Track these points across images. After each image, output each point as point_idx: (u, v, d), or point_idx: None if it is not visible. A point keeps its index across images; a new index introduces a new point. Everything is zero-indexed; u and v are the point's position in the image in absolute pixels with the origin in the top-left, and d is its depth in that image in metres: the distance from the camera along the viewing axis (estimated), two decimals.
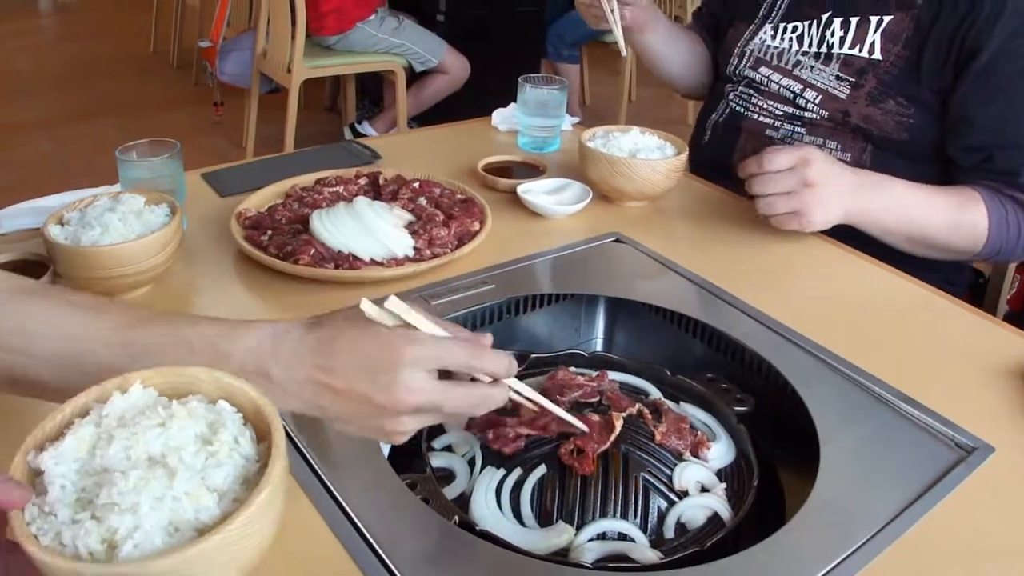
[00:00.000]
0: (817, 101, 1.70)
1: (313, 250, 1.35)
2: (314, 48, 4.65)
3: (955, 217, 1.53)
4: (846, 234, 1.55)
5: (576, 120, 2.12)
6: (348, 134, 5.02)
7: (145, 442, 0.64)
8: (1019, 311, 1.94)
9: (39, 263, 1.33)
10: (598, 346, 1.43)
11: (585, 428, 1.02)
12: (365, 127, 4.98)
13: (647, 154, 1.63)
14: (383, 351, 0.82)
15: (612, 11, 1.78)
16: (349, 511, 0.90)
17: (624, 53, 1.86)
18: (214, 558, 0.59)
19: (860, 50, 1.67)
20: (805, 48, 1.75)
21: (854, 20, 1.68)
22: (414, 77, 4.89)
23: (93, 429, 0.66)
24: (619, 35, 1.82)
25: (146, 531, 0.59)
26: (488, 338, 0.90)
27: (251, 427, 0.70)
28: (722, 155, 1.84)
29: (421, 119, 5.00)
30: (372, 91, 5.58)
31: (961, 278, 1.82)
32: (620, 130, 1.71)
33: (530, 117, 1.92)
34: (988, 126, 1.56)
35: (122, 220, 1.29)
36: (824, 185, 1.44)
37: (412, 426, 0.84)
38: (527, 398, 0.96)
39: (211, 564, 0.59)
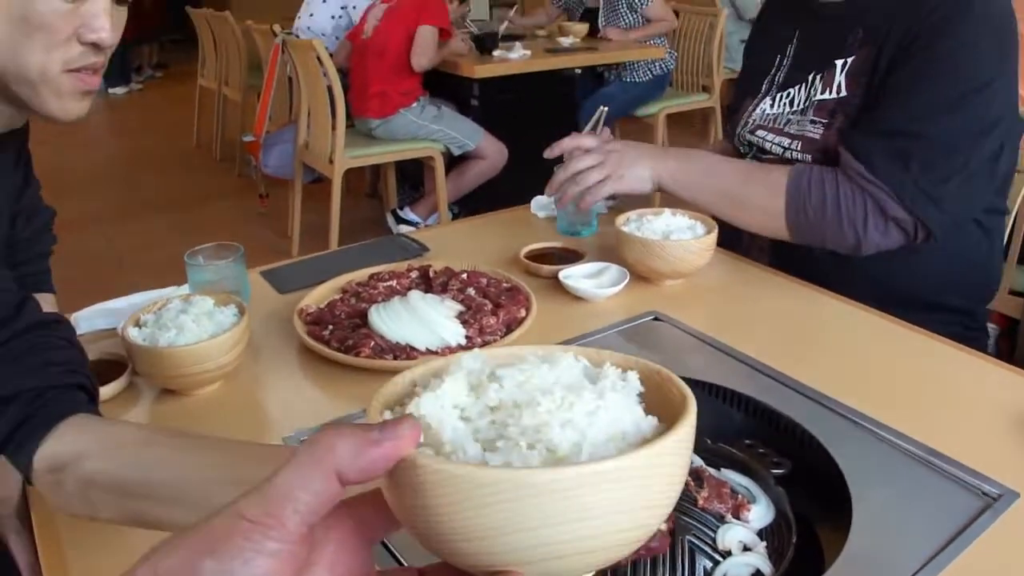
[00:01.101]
0: (798, 148, 1.78)
1: (373, 343, 1.42)
2: (355, 137, 4.76)
3: (752, 170, 1.71)
4: (870, 293, 1.63)
5: (612, 203, 2.19)
6: (391, 220, 5.10)
7: (539, 377, 0.57)
8: None
9: (117, 362, 1.41)
10: None
11: None
12: (407, 213, 5.06)
13: (679, 235, 1.70)
14: None
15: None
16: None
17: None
18: (660, 467, 0.51)
19: (829, 93, 1.75)
20: (793, 108, 1.84)
21: (827, 71, 1.77)
22: (452, 162, 4.96)
23: (464, 376, 0.59)
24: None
25: (593, 443, 0.52)
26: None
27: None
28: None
29: (461, 203, 5.08)
30: (412, 176, 5.64)
31: (976, 323, 1.85)
32: (653, 212, 1.78)
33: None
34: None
35: (195, 321, 1.37)
36: (627, 149, 1.74)
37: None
38: None
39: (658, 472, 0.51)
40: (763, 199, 1.69)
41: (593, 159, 1.72)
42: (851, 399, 1.31)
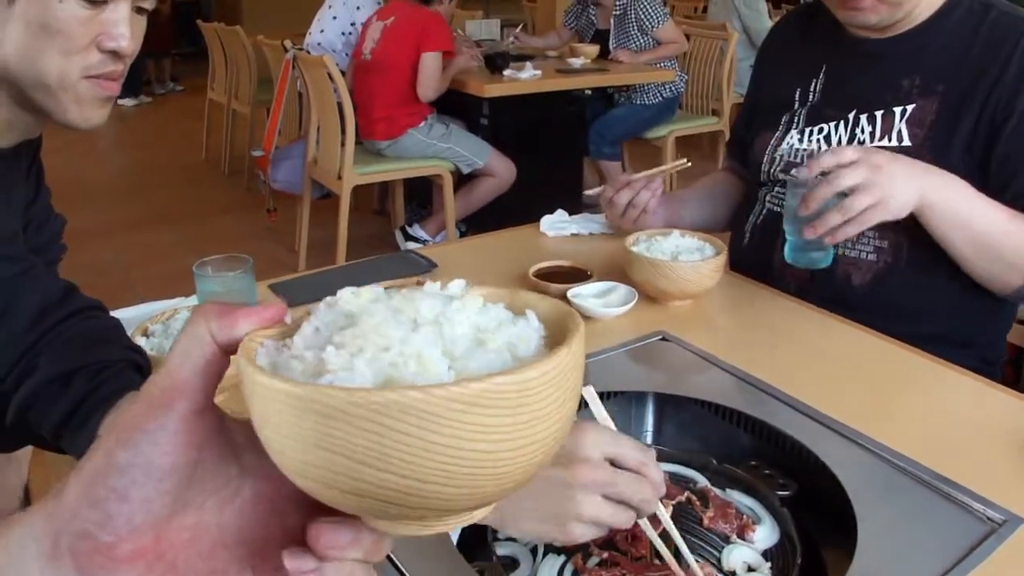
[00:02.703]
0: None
1: None
2: (364, 154, 4.78)
3: (1013, 220, 1.54)
4: (877, 316, 1.63)
5: None
6: (400, 237, 5.11)
7: (417, 308, 0.49)
8: None
9: None
10: (648, 439, 1.47)
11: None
12: (416, 230, 5.07)
13: (688, 256, 1.70)
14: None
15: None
16: None
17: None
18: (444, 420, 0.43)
19: (889, 140, 1.72)
20: (834, 146, 1.79)
21: (879, 114, 1.74)
22: (461, 180, 4.98)
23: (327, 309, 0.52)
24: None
25: (354, 373, 0.45)
26: (653, 452, 0.96)
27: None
28: (763, 255, 1.87)
29: (469, 221, 5.10)
30: (420, 194, 5.66)
31: (995, 354, 1.83)
32: (661, 233, 1.78)
33: None
34: None
35: None
36: (894, 162, 1.46)
37: (590, 510, 0.88)
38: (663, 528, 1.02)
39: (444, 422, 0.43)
40: (1017, 256, 1.56)
41: (861, 176, 1.43)
42: (858, 422, 1.31)
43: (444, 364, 0.46)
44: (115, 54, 1.15)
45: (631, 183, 1.96)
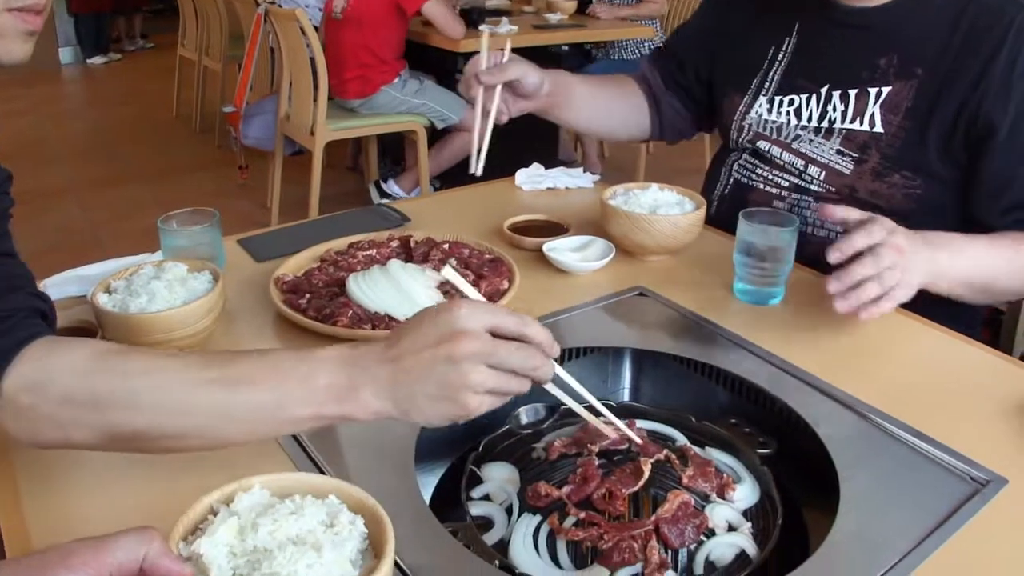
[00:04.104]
0: (822, 177, 1.73)
1: (351, 312, 1.40)
2: (337, 110, 4.74)
3: (1013, 259, 1.52)
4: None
5: (597, 178, 2.17)
6: (374, 192, 5.09)
7: (286, 527, 0.78)
8: None
9: (87, 330, 1.37)
10: (626, 396, 1.47)
11: (637, 438, 1.11)
12: (391, 186, 5.04)
13: (667, 210, 1.68)
14: (441, 310, 0.91)
15: (483, 131, 1.71)
16: (395, 556, 0.95)
17: (476, 172, 1.72)
18: None
19: (861, 124, 1.68)
20: (804, 122, 1.76)
21: (852, 92, 1.69)
22: (435, 136, 4.95)
23: (236, 520, 0.79)
24: (475, 156, 1.72)
25: None
26: (531, 319, 0.96)
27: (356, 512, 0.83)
28: (730, 225, 1.75)
29: (444, 177, 5.06)
30: (393, 150, 5.64)
31: (976, 319, 1.82)
32: (639, 187, 1.76)
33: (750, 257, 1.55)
34: None
35: (167, 287, 1.34)
36: (912, 243, 1.38)
37: (476, 378, 0.90)
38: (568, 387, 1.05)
39: None
40: (1021, 287, 1.57)
41: (890, 259, 1.34)
42: (840, 381, 1.30)
43: None
44: None
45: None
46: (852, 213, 1.41)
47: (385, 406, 0.92)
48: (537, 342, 0.94)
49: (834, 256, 1.33)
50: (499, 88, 1.70)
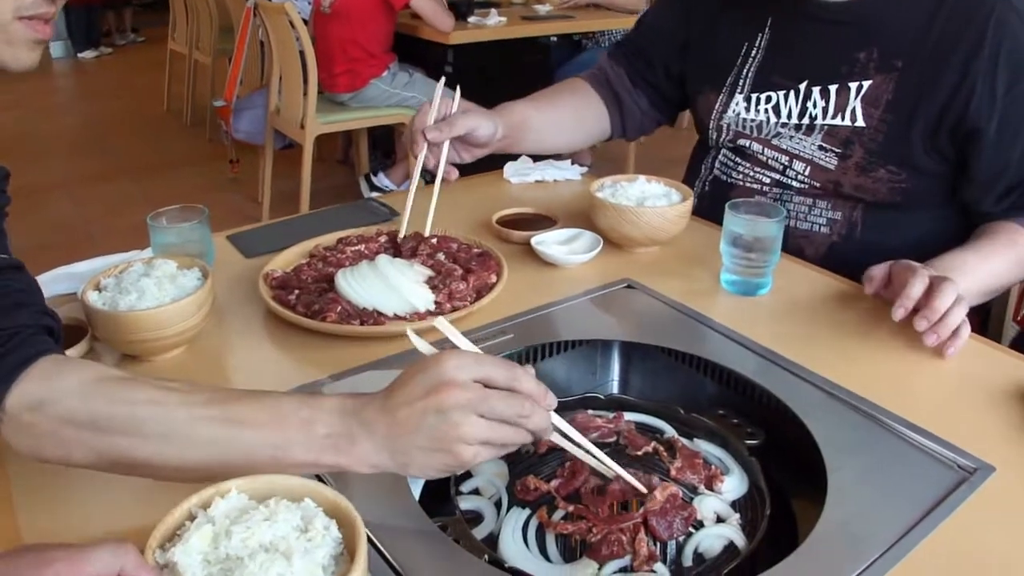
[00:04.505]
0: (807, 172, 1.72)
1: (339, 308, 1.40)
2: (327, 103, 4.74)
3: (1013, 259, 1.56)
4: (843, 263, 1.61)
5: (584, 170, 2.17)
6: (364, 185, 5.08)
7: (259, 533, 0.80)
8: None
9: (78, 327, 1.37)
10: (614, 388, 1.47)
11: (642, 488, 1.08)
12: (381, 179, 5.04)
13: (654, 201, 1.67)
14: (430, 362, 0.91)
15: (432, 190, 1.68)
16: (384, 551, 0.96)
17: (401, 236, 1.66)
18: None
19: (843, 119, 1.67)
20: (784, 119, 1.74)
21: (833, 88, 1.68)
22: None
23: (210, 527, 0.81)
24: (406, 218, 1.68)
25: None
26: (530, 369, 0.96)
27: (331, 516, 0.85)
28: (710, 220, 1.82)
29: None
30: (383, 143, 5.63)
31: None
32: (627, 179, 1.75)
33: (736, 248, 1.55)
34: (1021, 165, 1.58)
35: (157, 285, 1.34)
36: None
37: (467, 429, 0.90)
38: (567, 436, 1.04)
39: None
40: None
41: (955, 289, 1.34)
42: (827, 371, 1.30)
43: None
44: None
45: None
46: (875, 271, 1.45)
47: (382, 459, 0.92)
48: (526, 393, 0.94)
49: (899, 313, 1.34)
50: (446, 143, 1.66)
